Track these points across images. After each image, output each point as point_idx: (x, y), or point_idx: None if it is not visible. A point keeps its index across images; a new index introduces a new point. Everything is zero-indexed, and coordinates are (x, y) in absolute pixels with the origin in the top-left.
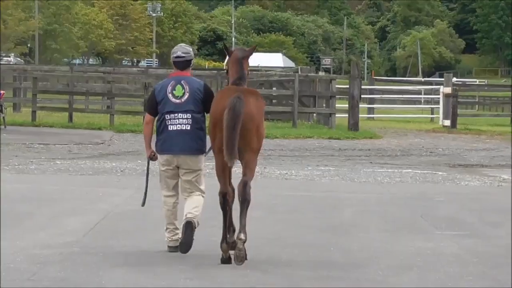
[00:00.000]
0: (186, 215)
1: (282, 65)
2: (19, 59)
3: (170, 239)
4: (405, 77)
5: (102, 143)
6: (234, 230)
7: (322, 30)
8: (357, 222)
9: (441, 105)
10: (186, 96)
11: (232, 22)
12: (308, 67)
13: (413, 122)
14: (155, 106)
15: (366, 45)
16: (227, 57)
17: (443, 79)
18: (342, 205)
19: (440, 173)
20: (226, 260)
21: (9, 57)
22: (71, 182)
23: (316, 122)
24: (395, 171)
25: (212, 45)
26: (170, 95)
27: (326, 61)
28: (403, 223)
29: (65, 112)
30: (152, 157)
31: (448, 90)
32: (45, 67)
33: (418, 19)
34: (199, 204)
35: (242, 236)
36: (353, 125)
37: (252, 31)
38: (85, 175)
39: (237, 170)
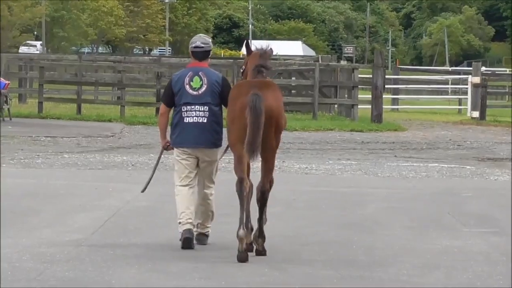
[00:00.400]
0: (197, 226)
1: (301, 54)
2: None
3: (180, 230)
4: (431, 66)
5: (112, 136)
6: (252, 229)
7: (344, 16)
8: (381, 219)
9: (469, 96)
10: (204, 88)
11: (249, 8)
12: (329, 55)
13: (439, 114)
14: (172, 97)
15: (390, 32)
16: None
17: (471, 68)
18: (364, 201)
19: (468, 167)
20: (242, 254)
21: (35, 46)
22: (80, 177)
23: (338, 114)
24: (420, 165)
25: (228, 32)
26: (187, 87)
27: (348, 50)
28: (429, 219)
29: (73, 103)
30: (166, 147)
31: (476, 80)
32: (53, 55)
33: (445, 5)
34: (212, 208)
35: (260, 240)
36: (377, 117)
37: (270, 18)
38: (94, 170)
39: (254, 165)
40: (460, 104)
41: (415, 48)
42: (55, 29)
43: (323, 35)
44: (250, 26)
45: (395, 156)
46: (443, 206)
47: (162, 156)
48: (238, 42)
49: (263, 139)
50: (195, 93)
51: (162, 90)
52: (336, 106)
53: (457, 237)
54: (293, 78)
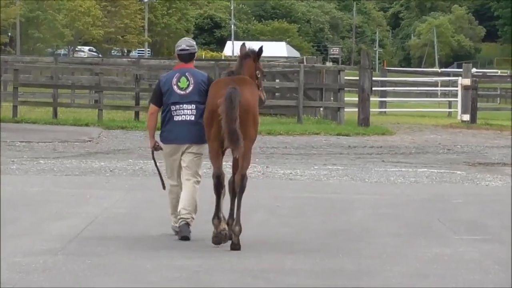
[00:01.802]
0: (180, 211)
1: (285, 55)
2: (93, 52)
3: (176, 224)
4: (420, 67)
5: (89, 141)
6: (224, 218)
7: (329, 16)
8: (368, 226)
9: (459, 98)
10: (190, 88)
11: (231, 8)
12: (314, 57)
13: (429, 117)
14: (160, 97)
15: (377, 33)
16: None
17: (461, 69)
18: (351, 208)
19: (458, 172)
20: (217, 235)
21: (83, 51)
22: (56, 183)
23: (323, 117)
24: (409, 170)
25: (209, 33)
26: (175, 87)
27: (334, 51)
28: (419, 226)
29: (49, 107)
30: (156, 148)
31: (467, 81)
32: (27, 58)
33: (434, 5)
34: (194, 196)
35: (237, 229)
36: (364, 120)
37: (253, 18)
38: (71, 176)
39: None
40: (450, 107)
41: (403, 49)
42: (30, 30)
43: (308, 36)
44: (232, 26)
45: (383, 161)
46: (432, 212)
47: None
48: (220, 43)
49: (243, 130)
50: (182, 92)
51: (141, 93)
52: (321, 109)
53: (448, 245)
54: (277, 80)
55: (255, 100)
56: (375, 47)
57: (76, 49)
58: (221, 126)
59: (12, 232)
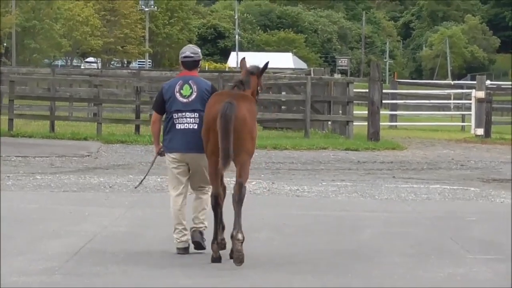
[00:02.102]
0: (193, 220)
1: (292, 67)
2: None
3: (179, 241)
4: (432, 79)
5: (88, 156)
6: (223, 228)
7: (337, 26)
8: (378, 245)
9: (473, 112)
10: (193, 96)
11: (236, 17)
12: (322, 68)
13: (441, 131)
14: (162, 105)
15: (387, 43)
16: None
17: (475, 82)
18: (361, 226)
19: (472, 189)
20: (216, 259)
21: (95, 62)
22: (53, 200)
23: (331, 131)
24: (421, 186)
25: (212, 43)
26: (177, 94)
27: (342, 62)
28: (430, 246)
29: (46, 120)
30: (160, 153)
31: (481, 94)
32: (24, 69)
33: (447, 14)
34: (207, 205)
35: (239, 236)
36: (373, 135)
37: (258, 27)
38: (68, 192)
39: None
40: (463, 121)
41: (414, 60)
42: (27, 40)
43: (315, 46)
44: (237, 36)
45: (394, 177)
46: (445, 231)
47: (149, 171)
48: (224, 53)
49: (239, 143)
50: (185, 100)
51: (142, 106)
52: (329, 123)
53: (461, 265)
54: (283, 93)
55: (252, 117)
56: (385, 58)
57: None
58: (217, 142)
59: (7, 251)
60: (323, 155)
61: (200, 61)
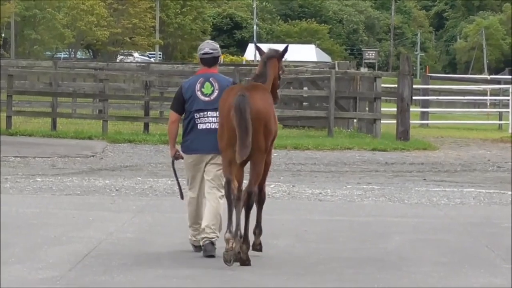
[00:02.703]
0: (204, 229)
1: (315, 60)
2: (145, 57)
3: (194, 239)
4: (467, 74)
5: (92, 156)
6: (241, 237)
7: (364, 16)
8: (407, 254)
9: (511, 109)
10: (215, 94)
11: (254, 6)
12: (347, 61)
13: (476, 130)
14: (182, 104)
15: (419, 34)
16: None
17: None
18: (388, 233)
19: (509, 193)
20: (228, 255)
21: (132, 55)
22: (55, 204)
23: (357, 130)
24: (454, 190)
25: (228, 34)
26: (198, 93)
27: (370, 55)
28: (464, 254)
29: (48, 118)
30: (176, 157)
31: None
32: (23, 62)
33: (483, 3)
34: (218, 213)
35: (244, 247)
36: (403, 134)
37: (278, 17)
38: (71, 195)
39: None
40: (500, 119)
41: (448, 53)
42: (27, 30)
43: (340, 38)
44: (255, 27)
45: (425, 179)
46: (480, 238)
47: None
48: (241, 45)
49: (252, 141)
50: (207, 99)
51: (151, 103)
52: (355, 121)
53: (497, 275)
54: (305, 88)
55: (266, 107)
56: (416, 50)
57: (125, 53)
58: (232, 135)
59: (5, 259)
60: (348, 155)
61: (220, 57)
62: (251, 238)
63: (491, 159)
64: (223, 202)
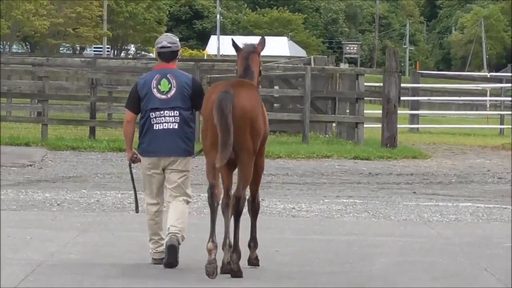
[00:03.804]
0: (168, 229)
1: (287, 54)
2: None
3: (154, 251)
4: (463, 71)
5: (30, 165)
6: (230, 246)
7: (344, 4)
8: (395, 278)
9: None
10: (173, 91)
11: None
12: (325, 56)
13: (474, 136)
14: (138, 103)
15: (408, 25)
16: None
17: None
18: (372, 254)
19: (510, 207)
20: (211, 263)
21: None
22: None
23: (336, 136)
24: (448, 205)
25: (187, 25)
26: (154, 90)
27: (351, 49)
28: (461, 279)
29: None
30: (133, 160)
31: None
32: None
33: None
34: (184, 214)
35: (234, 256)
36: (389, 140)
37: (245, 5)
38: (6, 211)
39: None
40: (502, 123)
41: (441, 47)
42: None
43: (317, 29)
44: (218, 16)
45: (414, 192)
46: (478, 260)
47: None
48: (202, 38)
49: (237, 142)
50: (163, 97)
51: (98, 104)
52: (334, 125)
53: None
54: (276, 87)
55: (253, 105)
56: (404, 44)
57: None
58: (214, 136)
59: None
60: (325, 165)
61: (179, 52)
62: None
63: (491, 169)
64: (189, 207)
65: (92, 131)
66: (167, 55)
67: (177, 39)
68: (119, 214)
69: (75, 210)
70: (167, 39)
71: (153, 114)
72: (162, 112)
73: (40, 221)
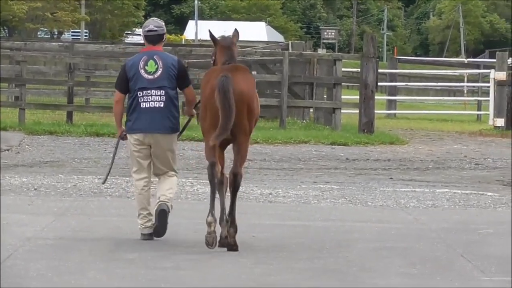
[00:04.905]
0: (159, 198)
1: (265, 39)
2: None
3: (143, 226)
4: (441, 57)
5: (7, 150)
6: (227, 221)
7: None
8: (371, 264)
9: (491, 97)
10: (159, 72)
11: None
12: (303, 42)
13: (452, 122)
14: (126, 83)
15: (386, 11)
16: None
17: (494, 60)
18: (350, 240)
19: (489, 193)
20: (211, 237)
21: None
22: None
23: (314, 121)
24: (425, 191)
25: (165, 10)
26: (142, 71)
27: (329, 34)
28: (437, 264)
29: None
30: (123, 137)
31: (501, 75)
32: None
33: None
34: (173, 185)
35: (231, 230)
36: (366, 125)
37: None
38: None
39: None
40: (479, 109)
41: (419, 33)
42: None
43: (295, 14)
44: (196, 1)
45: (391, 178)
46: (455, 246)
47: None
48: (180, 22)
49: (235, 123)
50: (150, 77)
51: (76, 88)
52: (311, 110)
53: None
54: (254, 73)
55: (249, 89)
56: (382, 29)
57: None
58: (215, 117)
59: None
60: (303, 150)
61: (165, 35)
62: None
63: (468, 155)
64: (177, 180)
65: (70, 115)
66: (154, 38)
67: (163, 23)
68: (96, 199)
69: (52, 195)
70: (154, 23)
71: (141, 93)
72: (149, 91)
73: (17, 206)
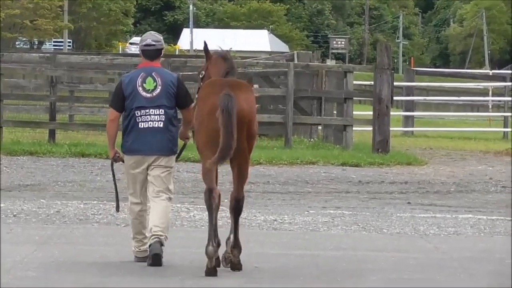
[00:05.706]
0: (151, 229)
1: (268, 49)
2: None
3: (137, 250)
4: (463, 68)
5: None
6: (219, 244)
7: None
8: None
9: None
10: (158, 90)
11: None
12: (310, 52)
13: (475, 140)
14: (122, 101)
15: (401, 17)
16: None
17: None
18: (363, 271)
19: None
20: (211, 271)
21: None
22: None
23: (322, 140)
24: (446, 216)
25: (157, 17)
26: (140, 89)
27: (338, 43)
28: None
29: None
30: (116, 159)
31: None
32: None
33: None
34: (166, 213)
35: (236, 251)
36: (381, 144)
37: None
38: None
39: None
40: (505, 126)
41: (438, 41)
42: None
43: (301, 21)
44: (191, 7)
45: (409, 202)
46: (479, 277)
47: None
48: (173, 31)
49: (237, 142)
50: (148, 95)
51: (59, 104)
52: (319, 127)
53: None
54: (256, 86)
55: (251, 108)
56: (397, 38)
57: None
58: (211, 135)
59: None
60: (310, 172)
61: (163, 50)
62: None
63: (494, 177)
64: (171, 205)
65: (52, 134)
66: (152, 53)
67: (161, 38)
68: (82, 227)
69: (33, 222)
70: (152, 37)
71: (139, 113)
72: (147, 110)
73: None
